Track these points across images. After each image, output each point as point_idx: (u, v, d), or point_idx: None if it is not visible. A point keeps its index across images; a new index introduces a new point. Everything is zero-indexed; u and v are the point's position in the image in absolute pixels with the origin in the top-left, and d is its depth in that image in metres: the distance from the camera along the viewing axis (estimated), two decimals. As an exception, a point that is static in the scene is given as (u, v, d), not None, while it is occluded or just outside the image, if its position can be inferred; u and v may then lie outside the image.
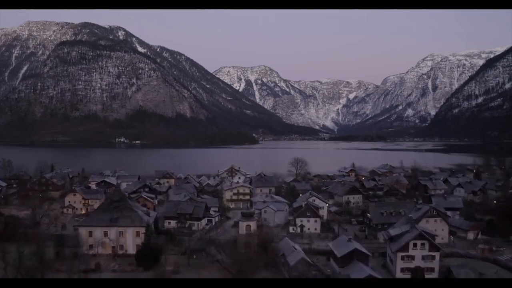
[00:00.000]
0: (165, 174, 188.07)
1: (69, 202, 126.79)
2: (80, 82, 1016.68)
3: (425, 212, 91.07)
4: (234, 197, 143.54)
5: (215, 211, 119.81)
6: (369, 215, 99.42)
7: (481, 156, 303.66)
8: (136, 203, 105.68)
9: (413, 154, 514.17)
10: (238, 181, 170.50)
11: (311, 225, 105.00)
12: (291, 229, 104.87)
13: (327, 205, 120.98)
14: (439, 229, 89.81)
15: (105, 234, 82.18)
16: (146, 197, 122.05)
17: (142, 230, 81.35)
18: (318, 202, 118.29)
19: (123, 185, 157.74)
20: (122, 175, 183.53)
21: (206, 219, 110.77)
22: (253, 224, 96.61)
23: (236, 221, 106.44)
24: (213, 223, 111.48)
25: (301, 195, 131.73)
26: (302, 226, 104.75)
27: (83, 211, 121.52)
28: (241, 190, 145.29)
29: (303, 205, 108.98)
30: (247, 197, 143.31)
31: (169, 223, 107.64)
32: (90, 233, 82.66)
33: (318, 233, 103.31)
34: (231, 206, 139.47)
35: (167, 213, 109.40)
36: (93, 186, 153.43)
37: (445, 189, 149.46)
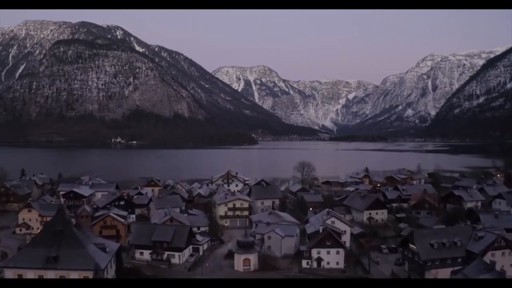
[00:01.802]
0: (150, 181, 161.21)
1: (24, 219, 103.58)
2: (76, 82, 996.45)
3: (492, 243, 68.95)
4: (230, 213, 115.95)
5: (205, 232, 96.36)
6: (413, 246, 74.40)
7: (498, 157, 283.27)
8: (91, 230, 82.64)
9: (419, 156, 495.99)
10: (235, 190, 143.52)
11: (332, 258, 79.43)
12: (304, 263, 79.97)
13: (351, 228, 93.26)
14: (507, 265, 67.57)
15: (41, 279, 59.80)
16: (115, 217, 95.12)
17: (91, 275, 57.33)
18: (338, 224, 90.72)
19: (98, 196, 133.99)
20: (97, 184, 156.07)
21: (191, 247, 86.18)
22: (252, 258, 72.24)
23: (231, 250, 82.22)
24: (201, 252, 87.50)
25: (310, 209, 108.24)
26: (319, 260, 79.63)
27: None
28: (238, 204, 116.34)
29: (321, 230, 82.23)
30: (246, 212, 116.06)
31: (142, 253, 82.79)
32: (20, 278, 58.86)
33: (341, 269, 79.61)
34: (226, 224, 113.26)
35: (138, 241, 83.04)
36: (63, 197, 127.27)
37: (482, 201, 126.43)
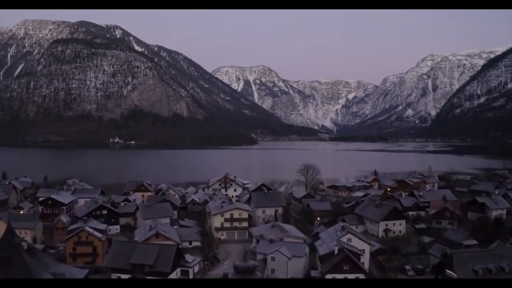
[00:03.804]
0: (140, 185, 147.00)
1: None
2: (74, 81, 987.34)
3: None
4: (227, 225, 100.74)
5: (197, 247, 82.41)
6: (451, 272, 62.20)
7: (503, 158, 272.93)
8: (64, 246, 70.88)
9: (422, 156, 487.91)
10: (233, 195, 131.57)
11: (350, 284, 68.22)
12: (316, 292, 67.30)
13: (370, 246, 78.52)
14: None
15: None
16: (91, 231, 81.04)
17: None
18: (356, 242, 76.28)
19: (81, 203, 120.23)
20: (80, 189, 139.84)
21: (178, 270, 72.92)
22: (253, 285, 61.38)
23: (227, 274, 66.62)
24: (191, 276, 74.36)
25: (318, 218, 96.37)
26: (335, 287, 68.14)
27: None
28: (236, 214, 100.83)
29: (336, 251, 68.54)
30: (245, 224, 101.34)
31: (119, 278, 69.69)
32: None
33: None
34: (222, 237, 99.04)
35: (115, 263, 68.15)
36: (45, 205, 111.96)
37: (508, 208, 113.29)
